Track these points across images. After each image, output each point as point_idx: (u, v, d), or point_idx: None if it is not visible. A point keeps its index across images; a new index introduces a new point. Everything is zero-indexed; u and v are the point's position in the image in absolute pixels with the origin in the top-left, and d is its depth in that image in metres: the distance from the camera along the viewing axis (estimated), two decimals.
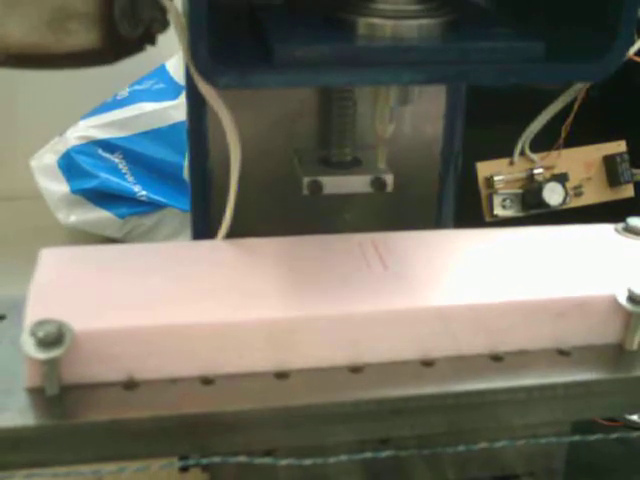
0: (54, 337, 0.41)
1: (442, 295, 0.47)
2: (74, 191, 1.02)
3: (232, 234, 0.53)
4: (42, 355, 0.41)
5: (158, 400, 0.43)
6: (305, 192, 0.55)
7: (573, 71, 0.43)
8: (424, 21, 0.42)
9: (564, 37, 0.44)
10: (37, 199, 1.03)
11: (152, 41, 0.43)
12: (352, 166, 0.57)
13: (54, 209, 1.03)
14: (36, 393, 0.42)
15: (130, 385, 0.43)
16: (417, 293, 0.47)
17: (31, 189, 1.04)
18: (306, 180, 0.55)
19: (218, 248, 0.52)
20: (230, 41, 0.43)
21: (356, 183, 0.56)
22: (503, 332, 0.47)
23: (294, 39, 0.41)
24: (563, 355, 0.47)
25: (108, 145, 1.03)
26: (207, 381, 0.44)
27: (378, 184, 0.56)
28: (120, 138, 1.03)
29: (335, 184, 0.55)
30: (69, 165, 1.02)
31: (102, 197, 1.03)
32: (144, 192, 1.03)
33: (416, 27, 0.42)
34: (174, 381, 0.44)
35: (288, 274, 0.48)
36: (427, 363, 0.46)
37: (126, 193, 1.03)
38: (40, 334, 0.41)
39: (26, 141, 1.06)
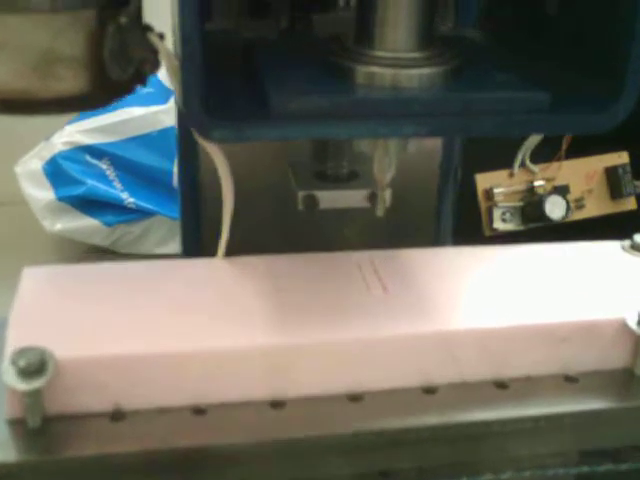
0: (36, 366, 0.39)
1: (444, 319, 0.45)
2: (60, 198, 0.99)
3: (226, 250, 0.50)
4: (24, 386, 0.38)
5: (147, 432, 0.41)
6: (300, 207, 0.53)
7: (579, 123, 0.41)
8: (425, 70, 0.40)
9: (569, 85, 0.42)
10: (21, 205, 1.00)
11: (143, 82, 0.41)
12: (349, 180, 0.55)
13: (39, 216, 1.00)
14: (17, 425, 0.40)
15: (117, 416, 0.41)
16: (418, 317, 0.45)
17: (15, 195, 1.01)
18: (301, 194, 0.53)
19: (210, 267, 0.49)
20: (223, 87, 0.41)
21: (353, 198, 0.54)
22: (507, 358, 0.45)
23: (291, 88, 0.39)
24: (570, 381, 0.45)
25: (95, 151, 1.01)
26: (199, 411, 0.42)
27: (375, 199, 0.54)
28: (108, 144, 1.00)
29: (331, 199, 0.53)
30: (55, 171, 1.00)
31: (89, 204, 1.00)
32: (132, 199, 1.01)
33: (417, 76, 0.40)
34: (164, 411, 0.42)
35: (284, 297, 0.46)
36: (429, 390, 0.44)
37: (114, 200, 1.01)
38: (21, 363, 0.38)
39: (10, 146, 1.04)
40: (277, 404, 0.43)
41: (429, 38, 0.42)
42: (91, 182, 0.99)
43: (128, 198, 1.01)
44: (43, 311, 0.44)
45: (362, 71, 0.40)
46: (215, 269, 0.49)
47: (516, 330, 0.45)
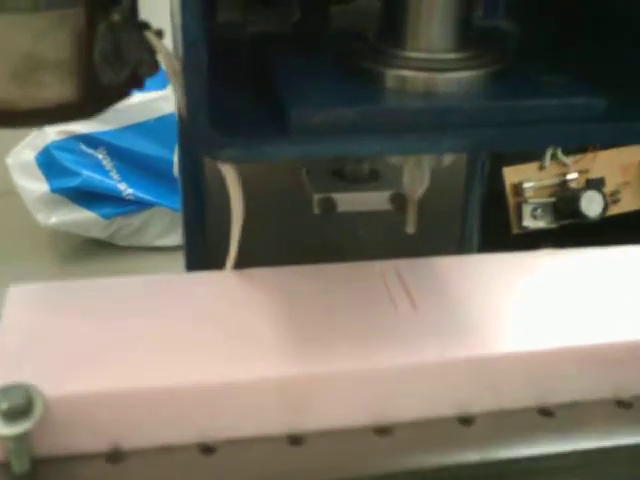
0: (22, 407, 0.34)
1: (481, 342, 0.40)
2: (54, 190, 0.94)
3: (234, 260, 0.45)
4: (7, 430, 0.34)
5: (149, 476, 0.36)
6: (316, 211, 0.48)
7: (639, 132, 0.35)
8: (464, 74, 0.35)
9: (624, 87, 0.36)
10: (13, 197, 0.95)
11: (139, 84, 0.36)
12: (369, 181, 0.49)
13: (33, 209, 0.95)
14: (2, 470, 0.35)
15: (115, 457, 0.36)
16: (452, 340, 0.40)
17: (7, 187, 0.96)
18: (317, 197, 0.48)
19: (217, 283, 0.44)
20: (232, 97, 0.35)
21: (374, 200, 0.49)
22: (553, 383, 0.40)
23: (311, 99, 0.34)
24: (623, 407, 0.40)
25: (91, 140, 0.95)
26: (207, 449, 0.37)
27: (398, 201, 0.49)
28: (104, 132, 0.95)
29: (350, 201, 0.48)
30: (48, 162, 0.94)
31: (85, 196, 0.95)
32: (130, 190, 0.96)
33: (455, 81, 0.35)
34: (168, 450, 0.37)
35: (300, 318, 0.41)
36: (465, 420, 0.39)
37: (111, 192, 0.95)
38: (4, 405, 0.34)
39: (1, 135, 0.98)
40: (295, 439, 0.38)
41: (467, 35, 0.36)
42: (87, 173, 0.94)
43: (126, 189, 0.96)
44: (30, 340, 0.39)
45: (392, 75, 0.35)
46: (223, 286, 0.44)
47: (564, 353, 0.40)
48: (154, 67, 0.36)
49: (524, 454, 0.38)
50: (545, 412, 0.40)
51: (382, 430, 0.38)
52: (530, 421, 0.39)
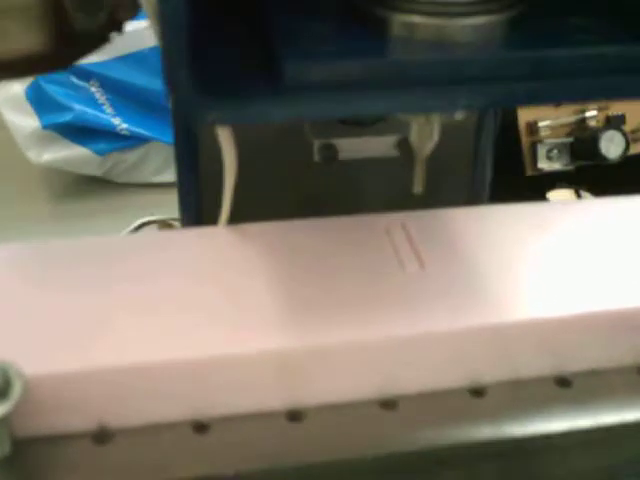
0: None
1: (496, 308, 0.37)
2: (46, 126, 0.90)
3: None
4: None
5: (138, 457, 0.33)
6: (317, 158, 0.44)
7: None
8: (482, 19, 0.31)
9: None
10: (2, 133, 0.91)
11: (118, 28, 0.32)
12: (373, 124, 0.46)
13: (23, 147, 0.91)
14: None
15: (102, 436, 0.34)
16: (464, 305, 0.37)
17: None
18: (317, 143, 0.44)
19: (209, 241, 0.41)
20: (217, 51, 0.31)
21: (378, 145, 0.45)
22: (571, 350, 0.37)
23: (309, 50, 0.30)
24: None
25: (82, 72, 0.91)
26: (201, 427, 0.35)
27: (406, 147, 0.45)
28: (96, 64, 0.90)
29: (353, 148, 0.45)
30: (39, 96, 0.90)
31: (78, 132, 0.91)
32: (125, 125, 0.92)
33: (471, 28, 0.31)
34: (159, 428, 0.34)
35: (299, 280, 0.38)
36: (477, 392, 0.37)
37: (105, 127, 0.91)
38: None
39: None
40: (294, 415, 0.35)
41: None
42: (79, 107, 0.90)
43: (120, 124, 0.92)
44: (6, 312, 0.36)
45: (400, 21, 0.31)
46: (215, 244, 0.41)
47: (583, 319, 0.37)
48: (132, 10, 0.32)
49: (540, 428, 0.35)
50: (562, 382, 0.37)
51: (388, 404, 0.36)
52: (546, 392, 0.37)
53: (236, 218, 0.42)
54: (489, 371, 0.37)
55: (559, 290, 0.38)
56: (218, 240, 0.41)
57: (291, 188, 0.47)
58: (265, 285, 0.37)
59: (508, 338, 0.36)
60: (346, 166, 0.46)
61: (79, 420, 0.34)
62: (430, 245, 0.40)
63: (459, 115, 0.39)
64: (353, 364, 0.35)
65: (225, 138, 0.39)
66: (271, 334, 0.35)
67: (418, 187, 0.39)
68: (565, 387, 0.37)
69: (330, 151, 0.44)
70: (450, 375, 0.36)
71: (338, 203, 0.45)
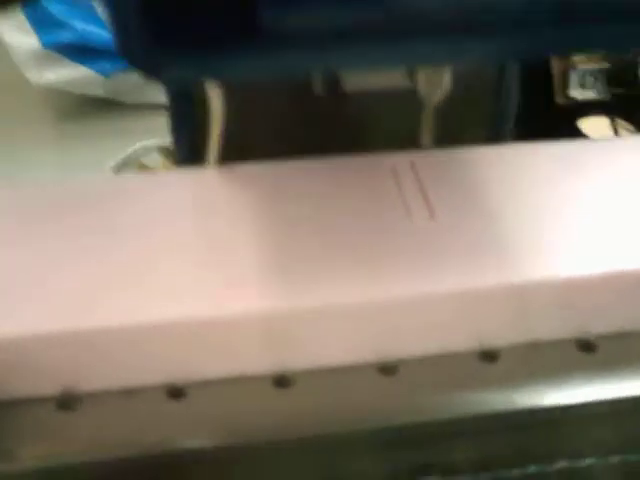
0: None
1: (513, 264, 0.32)
2: (46, 45, 0.85)
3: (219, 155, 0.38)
4: None
5: (106, 425, 0.30)
6: (318, 90, 0.39)
7: None
8: None
9: None
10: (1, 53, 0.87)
11: None
12: None
13: (23, 67, 0.87)
14: None
15: (67, 402, 0.31)
16: (477, 262, 0.32)
17: None
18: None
19: (194, 183, 0.37)
20: None
21: (390, 77, 0.40)
22: (597, 310, 0.33)
23: None
24: None
25: None
26: (176, 392, 0.31)
27: (414, 78, 0.40)
28: None
29: (360, 79, 0.40)
30: (38, 14, 0.85)
31: (81, 51, 0.86)
32: None
33: None
34: (130, 393, 0.31)
35: (291, 229, 0.34)
36: (488, 355, 0.33)
37: (109, 46, 0.86)
38: None
39: None
40: (282, 380, 0.31)
41: None
42: (81, 25, 0.85)
43: None
44: None
45: None
46: (200, 188, 0.36)
47: (610, 279, 0.32)
48: None
49: (558, 398, 0.31)
50: (585, 346, 0.33)
51: (387, 368, 0.32)
52: (567, 356, 0.33)
53: (227, 157, 0.38)
54: (502, 332, 0.32)
55: (587, 244, 0.33)
56: (203, 184, 0.36)
57: (288, 124, 0.42)
58: (252, 236, 0.33)
59: (526, 298, 0.32)
60: (352, 100, 0.41)
61: (41, 384, 0.30)
62: (442, 190, 0.36)
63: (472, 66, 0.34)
64: (348, 325, 0.31)
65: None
66: (256, 292, 0.31)
67: (426, 138, 0.35)
68: (588, 352, 0.33)
69: (333, 82, 0.40)
70: (458, 337, 0.32)
71: (342, 142, 0.40)
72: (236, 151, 0.37)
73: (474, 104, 0.47)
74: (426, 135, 0.35)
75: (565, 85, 0.53)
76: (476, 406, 0.31)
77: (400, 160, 0.37)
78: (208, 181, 0.36)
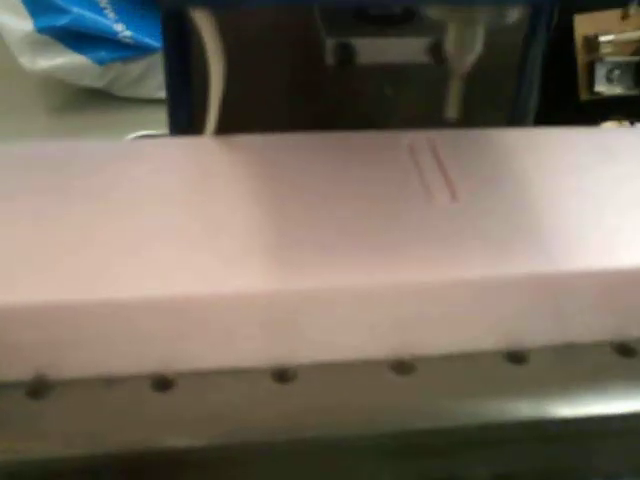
0: None
1: (544, 252, 0.29)
2: (41, 29, 0.82)
3: (223, 127, 0.34)
4: None
5: (79, 419, 0.26)
6: (330, 61, 0.36)
7: None
8: None
9: None
10: None
11: None
12: (401, 23, 0.37)
13: (16, 51, 0.83)
14: None
15: (39, 388, 0.27)
16: (504, 247, 0.29)
17: None
18: (331, 43, 0.36)
19: (191, 152, 0.33)
20: None
21: (406, 48, 0.37)
22: (637, 311, 0.29)
23: None
24: None
25: None
26: (162, 383, 0.27)
27: (439, 51, 0.37)
28: None
29: (375, 49, 0.37)
30: None
31: (76, 37, 0.83)
32: (128, 32, 0.84)
33: None
34: (110, 382, 0.27)
35: (297, 207, 0.30)
36: (516, 357, 0.29)
37: (106, 33, 0.83)
38: None
39: None
40: (282, 374, 0.28)
41: None
42: (77, 10, 0.81)
43: (124, 31, 0.83)
44: None
45: None
46: (197, 156, 0.33)
47: None
48: None
49: (594, 407, 0.28)
50: (624, 349, 0.29)
51: (402, 367, 0.28)
52: (602, 360, 0.29)
53: (226, 130, 0.34)
54: (532, 332, 0.29)
55: (626, 234, 0.30)
56: (201, 153, 0.33)
57: (298, 96, 0.39)
58: (254, 212, 0.30)
59: (558, 291, 0.29)
60: (365, 72, 0.37)
61: (10, 369, 0.27)
62: (464, 170, 0.32)
63: (513, 14, 0.31)
64: (359, 315, 0.28)
65: (206, 28, 0.31)
66: (257, 273, 0.27)
67: (452, 111, 0.32)
68: (628, 356, 0.29)
69: (346, 53, 0.36)
70: (483, 335, 0.29)
71: (354, 117, 0.37)
72: (236, 123, 0.33)
73: (494, 90, 0.44)
74: (452, 107, 0.32)
75: (591, 79, 0.50)
76: (501, 413, 0.27)
77: (418, 138, 0.34)
78: (206, 150, 0.33)
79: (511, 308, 0.28)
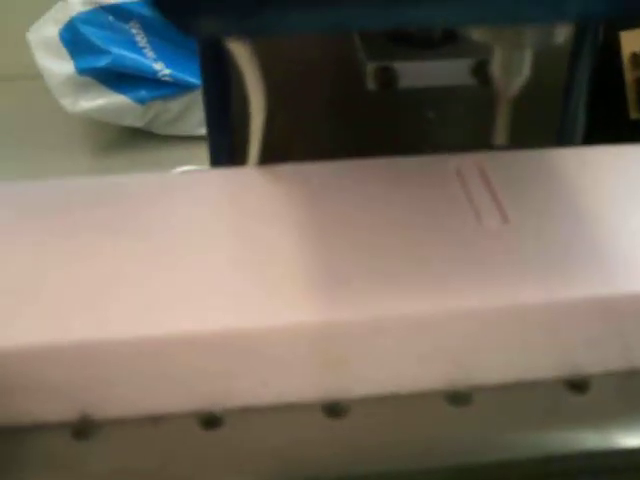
0: None
1: (604, 275, 0.27)
2: (81, 71, 0.83)
3: (265, 157, 0.34)
4: None
5: (126, 458, 0.25)
6: (371, 86, 0.36)
7: None
8: None
9: None
10: (36, 80, 0.84)
11: None
12: (443, 45, 0.37)
13: (57, 94, 0.84)
14: None
15: (84, 428, 0.26)
16: (562, 270, 0.28)
17: (29, 68, 0.85)
18: (372, 67, 0.35)
19: (232, 184, 0.33)
20: None
21: (449, 70, 0.36)
22: None
23: None
24: None
25: (121, 11, 0.83)
26: (210, 421, 0.26)
27: (483, 72, 0.36)
28: (137, 3, 0.83)
29: (417, 72, 0.36)
30: (74, 38, 0.83)
31: (116, 78, 0.84)
32: (168, 70, 0.84)
33: None
34: (156, 421, 0.26)
35: (344, 237, 0.29)
36: (577, 385, 0.28)
37: (146, 72, 0.84)
38: None
39: (22, 9, 0.87)
40: (334, 409, 0.27)
41: None
42: (117, 50, 0.83)
43: (163, 69, 0.84)
44: None
45: None
46: (239, 188, 0.32)
47: None
48: None
49: None
50: None
51: (458, 397, 0.27)
52: None
53: (273, 160, 0.34)
54: (593, 357, 0.28)
55: None
56: (244, 184, 0.32)
57: (340, 123, 0.38)
58: (300, 241, 0.29)
59: (621, 315, 0.27)
60: (407, 96, 0.37)
61: (57, 408, 0.26)
62: (514, 192, 0.31)
63: (561, 35, 0.30)
64: (412, 346, 0.27)
65: (244, 59, 0.31)
66: (305, 304, 0.27)
67: (501, 137, 0.31)
68: None
69: (388, 77, 0.36)
70: (542, 362, 0.28)
71: (397, 142, 0.36)
72: (278, 153, 0.33)
73: (541, 110, 0.43)
74: (500, 133, 0.31)
75: (639, 96, 0.48)
76: (564, 445, 0.26)
77: (466, 161, 0.33)
78: (249, 181, 0.32)
79: (570, 333, 0.27)
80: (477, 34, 0.30)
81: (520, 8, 0.22)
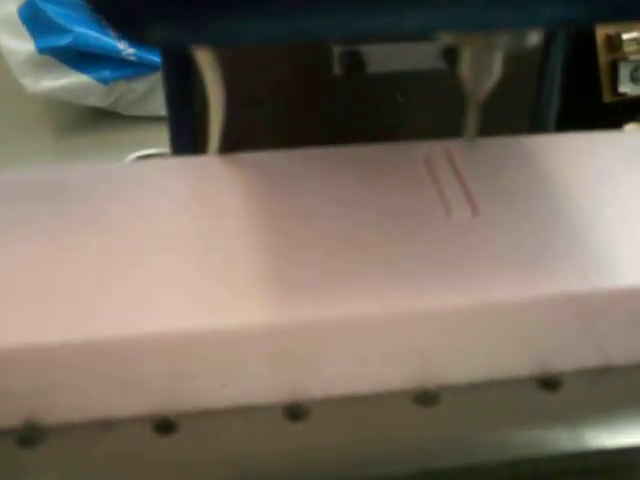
0: None
1: (576, 270, 0.26)
2: (42, 50, 0.81)
3: (226, 144, 0.32)
4: None
5: (75, 466, 0.24)
6: (337, 70, 0.34)
7: None
8: None
9: None
10: None
11: None
12: None
13: (18, 73, 0.82)
14: None
15: (30, 435, 0.25)
16: (531, 265, 0.27)
17: None
18: (339, 51, 0.34)
19: (192, 173, 0.31)
20: None
21: (418, 55, 0.35)
22: None
23: None
24: None
25: None
26: (165, 425, 0.25)
27: (453, 56, 0.35)
28: None
29: (385, 57, 0.35)
30: (34, 16, 0.81)
31: (79, 57, 0.82)
32: (132, 50, 0.82)
33: None
34: (107, 425, 0.25)
35: (306, 230, 0.28)
36: (549, 383, 0.27)
37: (109, 51, 0.82)
38: None
39: None
40: (295, 412, 0.26)
41: None
42: (79, 29, 0.80)
43: (127, 48, 0.82)
44: None
45: None
46: (199, 180, 0.31)
47: None
48: None
49: (637, 437, 0.25)
50: None
51: (425, 398, 0.26)
52: None
53: (235, 148, 0.32)
54: (567, 356, 0.27)
55: None
56: (205, 173, 0.31)
57: (304, 108, 0.37)
58: (257, 235, 0.27)
59: (593, 312, 0.26)
60: (375, 81, 0.35)
61: (1, 415, 0.25)
62: (484, 182, 0.30)
63: (534, 37, 0.29)
64: (374, 342, 0.25)
65: (205, 63, 0.29)
66: (263, 303, 0.25)
67: (470, 135, 0.30)
68: None
69: (355, 61, 0.34)
70: (511, 359, 0.26)
71: (363, 129, 0.34)
72: (240, 140, 0.31)
73: (513, 95, 0.42)
74: (470, 131, 0.30)
75: (614, 80, 0.47)
76: (534, 446, 0.25)
77: (435, 149, 0.32)
78: (210, 170, 0.31)
79: (542, 330, 0.26)
80: (445, 37, 0.29)
81: (489, 14, 0.21)
